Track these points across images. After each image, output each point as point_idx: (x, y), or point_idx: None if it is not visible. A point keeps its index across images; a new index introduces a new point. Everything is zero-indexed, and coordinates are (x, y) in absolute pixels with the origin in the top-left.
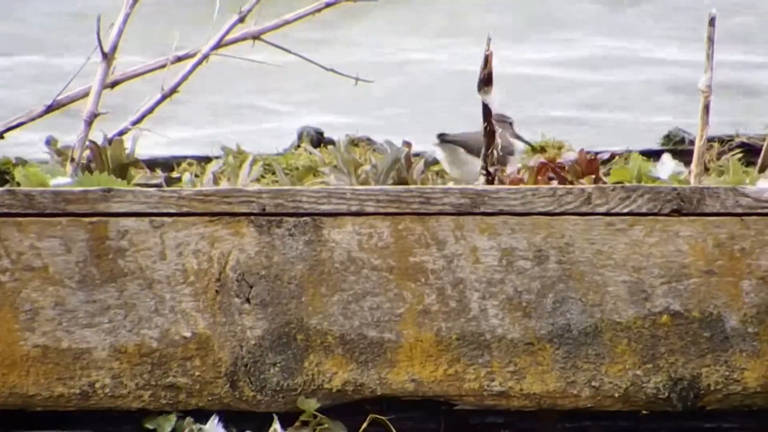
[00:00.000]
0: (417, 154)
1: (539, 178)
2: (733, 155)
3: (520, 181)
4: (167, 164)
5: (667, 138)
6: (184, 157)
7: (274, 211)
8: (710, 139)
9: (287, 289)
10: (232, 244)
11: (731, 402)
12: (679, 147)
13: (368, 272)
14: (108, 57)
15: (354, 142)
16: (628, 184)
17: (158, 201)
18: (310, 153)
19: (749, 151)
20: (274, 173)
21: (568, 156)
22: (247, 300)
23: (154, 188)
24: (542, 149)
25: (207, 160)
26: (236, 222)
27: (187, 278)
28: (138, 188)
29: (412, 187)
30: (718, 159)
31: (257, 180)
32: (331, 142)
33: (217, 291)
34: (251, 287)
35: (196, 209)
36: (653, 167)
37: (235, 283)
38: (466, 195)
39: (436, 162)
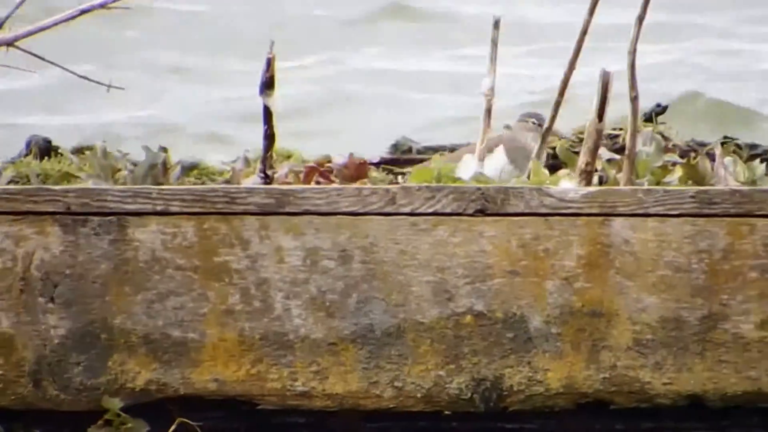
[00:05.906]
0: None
1: (307, 182)
2: None
3: (288, 185)
4: None
5: (395, 147)
6: None
7: (80, 210)
8: None
9: (91, 288)
10: (36, 243)
11: (534, 403)
12: (406, 156)
13: (172, 272)
14: None
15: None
16: (432, 185)
17: None
18: (70, 160)
19: None
20: (18, 180)
21: (337, 160)
22: (51, 299)
23: None
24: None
25: None
26: (41, 221)
27: None
28: None
29: (217, 186)
30: None
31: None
32: (56, 150)
33: (21, 290)
34: (56, 286)
35: (2, 208)
36: (456, 168)
37: (40, 282)
38: (272, 195)
39: (194, 167)
